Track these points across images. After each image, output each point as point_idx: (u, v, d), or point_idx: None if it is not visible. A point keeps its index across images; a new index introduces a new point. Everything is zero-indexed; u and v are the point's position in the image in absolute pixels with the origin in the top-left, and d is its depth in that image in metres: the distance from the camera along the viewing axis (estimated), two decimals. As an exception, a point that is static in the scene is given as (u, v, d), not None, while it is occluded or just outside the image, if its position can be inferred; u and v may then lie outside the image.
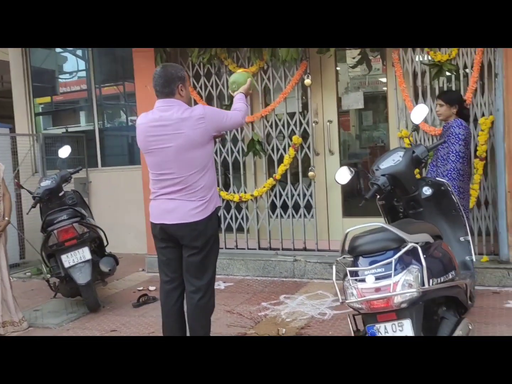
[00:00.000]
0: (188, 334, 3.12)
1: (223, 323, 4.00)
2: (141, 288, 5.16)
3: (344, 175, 3.41)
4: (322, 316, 4.03)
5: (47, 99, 8.69)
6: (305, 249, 5.31)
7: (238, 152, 5.54)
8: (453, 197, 3.51)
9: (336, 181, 3.43)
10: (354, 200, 5.50)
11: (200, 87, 5.62)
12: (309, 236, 5.30)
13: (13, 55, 7.64)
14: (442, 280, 2.58)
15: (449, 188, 3.50)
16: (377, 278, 2.40)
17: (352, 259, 2.56)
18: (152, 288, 5.09)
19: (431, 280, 2.45)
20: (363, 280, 2.43)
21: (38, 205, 4.84)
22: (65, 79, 8.71)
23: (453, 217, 3.51)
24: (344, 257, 2.63)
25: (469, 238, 3.53)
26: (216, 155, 5.57)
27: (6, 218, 4.16)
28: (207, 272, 3.04)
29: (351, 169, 3.43)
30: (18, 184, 5.02)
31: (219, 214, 3.13)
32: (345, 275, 2.50)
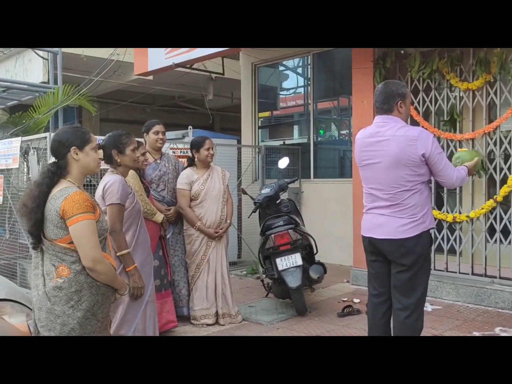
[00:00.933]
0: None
1: (430, 347, 3.85)
2: (345, 299, 5.26)
3: None
4: (547, 357, 3.59)
5: (267, 113, 9.47)
6: (527, 280, 4.80)
7: (455, 170, 5.27)
8: None
9: None
10: None
11: (418, 103, 5.51)
12: (533, 266, 4.77)
13: (244, 74, 8.53)
14: None
15: None
16: None
17: None
18: (356, 300, 5.15)
19: None
20: None
21: (257, 211, 5.30)
22: (285, 95, 9.37)
23: None
24: None
25: None
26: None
27: (228, 221, 4.64)
28: (416, 291, 2.97)
29: None
30: (243, 190, 5.55)
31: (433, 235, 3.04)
32: None
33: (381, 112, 3.01)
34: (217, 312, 4.56)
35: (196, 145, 4.60)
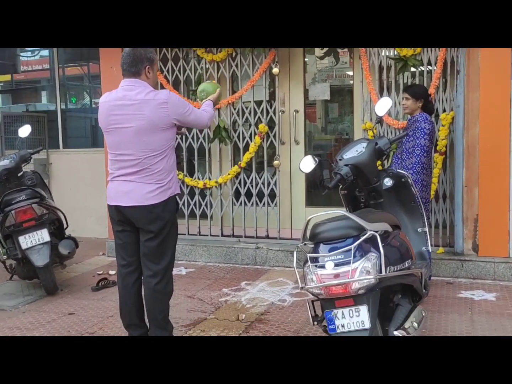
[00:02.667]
0: (146, 318, 3.11)
1: (184, 308, 4.01)
2: (101, 272, 5.10)
3: (308, 164, 3.44)
4: (282, 302, 4.08)
5: (7, 77, 8.45)
6: (267, 237, 5.36)
7: (203, 138, 5.52)
8: (412, 189, 3.59)
9: (300, 170, 3.46)
10: (317, 190, 5.57)
11: (167, 71, 5.56)
12: (271, 224, 5.34)
13: (-28, 29, 7.36)
14: (398, 268, 2.65)
15: (409, 180, 3.58)
16: (336, 265, 2.44)
17: (313, 245, 2.60)
18: (112, 272, 5.03)
19: (388, 268, 2.52)
20: (322, 267, 2.46)
21: (-5, 185, 4.71)
22: (27, 57, 8.47)
23: (412, 208, 3.60)
24: (305, 244, 2.67)
25: (426, 229, 3.63)
26: (182, 141, 5.54)
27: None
28: (165, 257, 3.02)
29: (315, 158, 3.46)
30: (-26, 162, 4.84)
31: (180, 201, 3.11)
32: (306, 261, 2.54)
33: (129, 75, 2.93)
34: None
35: None
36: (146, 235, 2.96)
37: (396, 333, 2.54)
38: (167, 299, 3.08)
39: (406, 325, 2.59)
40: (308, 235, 2.67)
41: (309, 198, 5.51)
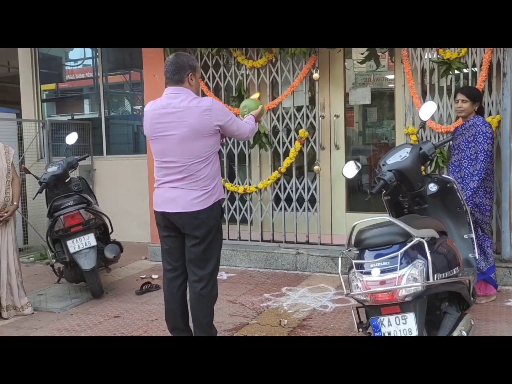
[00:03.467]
0: (190, 322, 3.16)
1: (226, 313, 4.04)
2: (144, 276, 5.20)
3: (351, 169, 3.42)
4: (324, 308, 4.06)
5: (52, 85, 8.71)
6: (307, 242, 5.34)
7: (244, 144, 5.56)
8: (458, 194, 3.51)
9: (343, 175, 3.44)
10: (358, 195, 5.53)
11: (208, 78, 5.64)
12: (312, 229, 5.33)
13: (21, 41, 7.64)
14: (446, 275, 2.60)
15: (454, 186, 3.50)
16: (382, 271, 2.42)
17: (358, 252, 2.59)
18: (155, 276, 5.13)
19: (435, 275, 2.47)
20: (368, 273, 2.44)
21: (44, 191, 4.88)
22: (72, 66, 8.72)
23: (458, 214, 3.51)
24: (350, 250, 2.66)
25: (473, 235, 3.53)
26: (222, 147, 5.58)
27: (15, 203, 4.19)
28: (210, 262, 3.06)
29: (358, 164, 3.45)
30: (25, 168, 5.04)
31: (222, 206, 3.14)
32: (351, 267, 2.53)
33: (172, 83, 2.99)
34: (0, 304, 4.11)
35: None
36: (192, 240, 3.00)
37: (444, 341, 2.49)
38: (212, 303, 3.11)
39: (455, 333, 2.54)
40: (352, 241, 2.66)
41: (349, 203, 5.47)
